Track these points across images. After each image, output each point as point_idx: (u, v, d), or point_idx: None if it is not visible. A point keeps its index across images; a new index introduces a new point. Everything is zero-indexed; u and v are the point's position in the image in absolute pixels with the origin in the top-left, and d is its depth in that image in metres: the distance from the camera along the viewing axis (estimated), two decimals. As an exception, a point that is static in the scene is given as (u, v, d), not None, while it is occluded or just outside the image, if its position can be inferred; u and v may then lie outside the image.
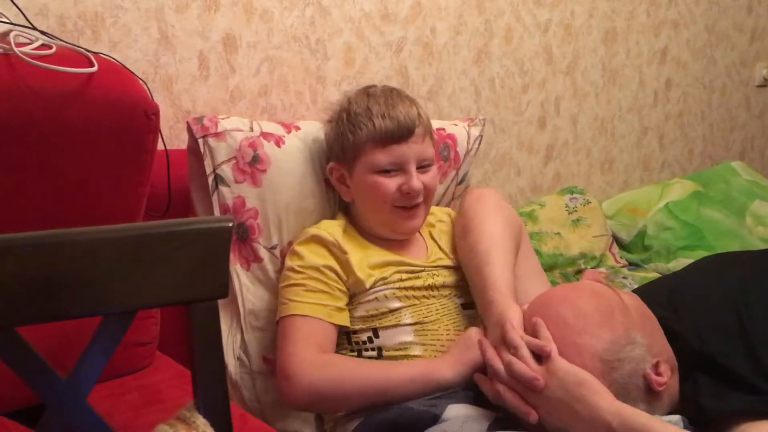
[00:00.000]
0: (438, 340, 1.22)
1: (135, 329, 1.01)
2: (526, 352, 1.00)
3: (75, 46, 1.03)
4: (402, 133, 1.24)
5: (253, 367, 1.31)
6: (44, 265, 0.66)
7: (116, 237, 0.70)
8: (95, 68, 0.98)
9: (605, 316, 1.02)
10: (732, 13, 2.59)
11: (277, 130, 1.36)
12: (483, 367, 1.07)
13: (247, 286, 1.32)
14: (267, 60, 1.54)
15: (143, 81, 1.06)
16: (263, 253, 1.32)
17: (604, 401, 0.93)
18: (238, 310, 1.31)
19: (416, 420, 1.04)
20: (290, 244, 1.32)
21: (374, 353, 1.22)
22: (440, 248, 1.34)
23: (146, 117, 1.01)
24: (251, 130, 1.33)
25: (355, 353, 1.23)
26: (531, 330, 1.03)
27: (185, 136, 1.32)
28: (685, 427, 0.98)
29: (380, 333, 1.22)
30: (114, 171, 1.03)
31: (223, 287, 0.75)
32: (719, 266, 1.26)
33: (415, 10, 1.77)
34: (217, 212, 1.29)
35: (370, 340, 1.22)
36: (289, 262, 1.25)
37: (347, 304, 1.24)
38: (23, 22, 1.04)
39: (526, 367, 0.98)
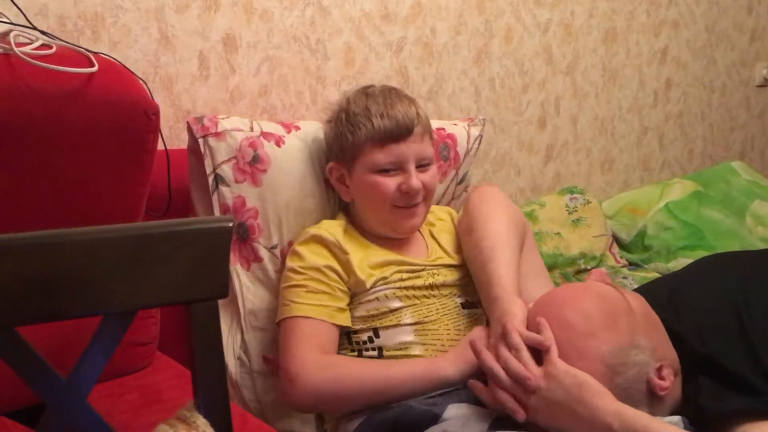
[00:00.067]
0: (438, 339, 1.22)
1: (135, 329, 1.01)
2: (526, 354, 0.99)
3: (75, 46, 1.03)
4: (401, 133, 1.24)
5: (254, 366, 1.31)
6: (44, 265, 0.66)
7: (116, 237, 0.70)
8: (95, 68, 0.98)
9: (610, 320, 1.02)
10: (732, 13, 2.59)
11: (277, 130, 1.36)
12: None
13: (247, 286, 1.32)
14: (267, 60, 1.54)
15: (143, 81, 1.06)
16: (263, 253, 1.32)
17: (605, 402, 0.93)
18: (238, 310, 1.31)
19: (417, 419, 1.04)
20: (290, 244, 1.32)
21: (375, 353, 1.22)
22: (440, 247, 1.34)
23: (146, 117, 1.01)
24: (251, 130, 1.33)
25: (356, 353, 1.23)
26: (534, 330, 1.03)
27: (185, 136, 1.32)
28: (685, 428, 0.98)
29: (381, 333, 1.22)
30: (114, 171, 1.03)
31: (224, 287, 0.75)
32: (719, 266, 1.26)
33: (415, 10, 1.77)
34: (217, 212, 1.29)
35: (370, 339, 1.22)
36: (290, 262, 1.25)
37: (348, 304, 1.24)
38: (23, 22, 1.04)
39: (521, 365, 0.98)
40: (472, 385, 1.05)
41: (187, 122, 1.29)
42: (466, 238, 1.29)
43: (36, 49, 0.97)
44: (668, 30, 2.41)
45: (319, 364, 1.14)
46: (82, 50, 1.02)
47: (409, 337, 1.22)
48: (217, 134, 1.28)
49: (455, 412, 1.04)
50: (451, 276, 1.29)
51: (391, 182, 1.25)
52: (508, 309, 1.07)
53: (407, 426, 1.05)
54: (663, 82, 2.44)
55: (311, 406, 1.19)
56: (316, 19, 1.60)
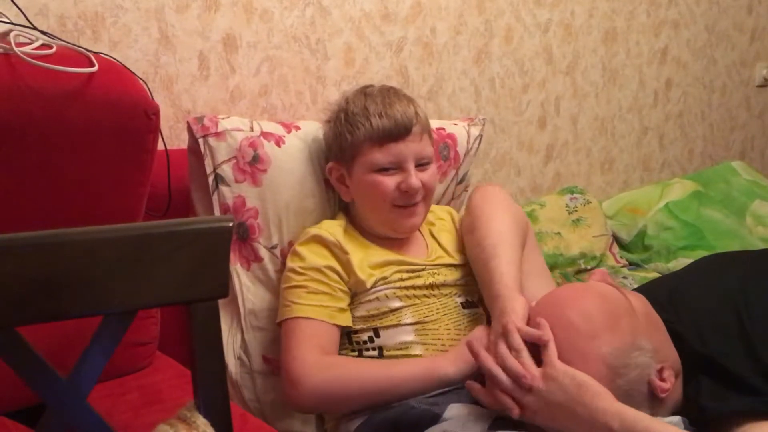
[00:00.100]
0: (439, 339, 1.22)
1: (135, 329, 1.01)
2: (526, 355, 0.99)
3: (75, 45, 1.03)
4: (399, 132, 1.24)
5: (254, 366, 1.31)
6: (44, 265, 0.66)
7: (116, 237, 0.70)
8: (95, 68, 0.97)
9: (613, 321, 1.01)
10: (732, 13, 2.59)
11: (278, 129, 1.36)
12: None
13: (247, 286, 1.32)
14: (267, 60, 1.54)
15: (143, 81, 1.06)
16: (263, 253, 1.32)
17: (605, 403, 0.93)
18: (238, 309, 1.31)
19: (417, 419, 1.05)
20: (291, 243, 1.32)
21: (375, 353, 1.22)
22: (441, 246, 1.34)
23: (146, 117, 1.01)
24: (251, 129, 1.33)
25: (356, 353, 1.23)
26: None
27: (185, 136, 1.32)
28: (685, 428, 0.98)
29: (381, 333, 1.22)
30: (114, 171, 1.03)
31: (224, 287, 0.75)
32: (719, 266, 1.26)
33: (415, 10, 1.77)
34: (217, 212, 1.29)
35: (370, 339, 1.22)
36: (291, 263, 1.25)
37: (348, 304, 1.24)
38: (23, 21, 1.04)
39: (518, 363, 0.98)
40: (470, 386, 1.05)
41: (187, 122, 1.29)
42: (468, 236, 1.29)
43: (36, 49, 0.96)
44: (668, 30, 2.41)
45: (320, 365, 1.14)
46: (83, 50, 1.02)
47: (410, 337, 1.22)
48: (217, 134, 1.28)
49: (455, 411, 1.04)
50: (451, 275, 1.29)
51: (390, 181, 1.25)
52: (510, 306, 1.07)
53: (408, 426, 1.05)
54: (663, 82, 2.44)
55: (313, 407, 1.19)
56: (316, 19, 1.60)
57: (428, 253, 1.33)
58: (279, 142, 1.34)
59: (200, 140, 1.27)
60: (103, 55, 1.05)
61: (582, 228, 1.98)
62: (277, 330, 1.26)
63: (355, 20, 1.66)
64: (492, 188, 1.35)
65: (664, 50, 2.41)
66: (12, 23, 1.00)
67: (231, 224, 0.75)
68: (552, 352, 0.98)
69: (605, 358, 0.98)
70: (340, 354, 1.22)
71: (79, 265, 0.67)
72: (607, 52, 2.24)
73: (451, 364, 1.13)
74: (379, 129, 1.24)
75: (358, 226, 1.33)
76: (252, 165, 1.30)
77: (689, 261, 1.62)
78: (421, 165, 1.27)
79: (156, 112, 1.02)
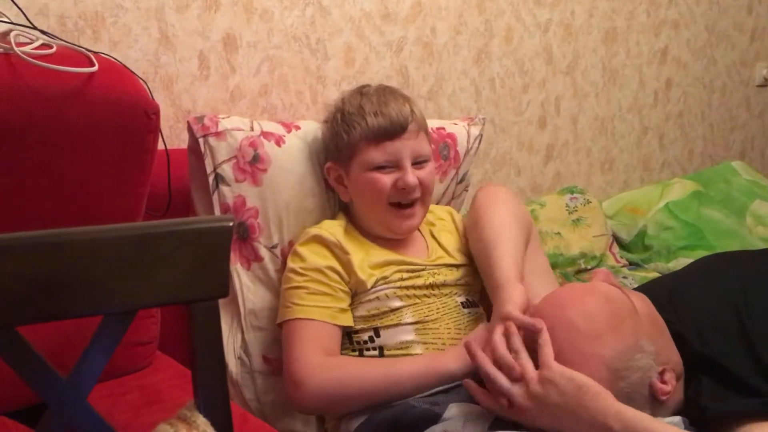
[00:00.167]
0: (439, 338, 1.22)
1: (135, 329, 1.01)
2: (524, 356, 0.99)
3: (75, 45, 1.03)
4: (395, 130, 1.24)
5: (254, 366, 1.31)
6: (44, 265, 0.66)
7: (116, 237, 0.70)
8: (95, 68, 0.97)
9: (615, 323, 1.01)
10: (732, 13, 2.59)
11: (278, 129, 1.36)
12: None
13: (247, 286, 1.31)
14: (267, 60, 1.54)
15: (143, 81, 1.06)
16: (264, 253, 1.32)
17: (605, 403, 0.92)
18: (238, 309, 1.31)
19: (418, 419, 1.05)
20: (291, 243, 1.32)
21: (375, 353, 1.22)
22: (441, 246, 1.34)
23: (146, 116, 1.01)
24: (251, 129, 1.33)
25: (357, 353, 1.23)
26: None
27: (185, 135, 1.32)
28: (686, 428, 0.98)
29: (381, 332, 1.22)
30: (114, 171, 1.02)
31: (224, 287, 0.75)
32: (719, 266, 1.26)
33: (415, 9, 1.77)
34: (217, 212, 1.29)
35: (371, 339, 1.22)
36: (291, 263, 1.25)
37: (349, 304, 1.24)
38: (23, 21, 1.04)
39: (508, 354, 0.98)
40: (467, 384, 1.05)
41: (188, 122, 1.29)
42: (471, 233, 1.30)
43: (36, 48, 0.96)
44: (668, 30, 2.41)
45: (322, 366, 1.14)
46: (83, 50, 1.01)
47: (410, 337, 1.22)
48: (217, 134, 1.28)
49: (456, 411, 1.04)
50: (451, 275, 1.29)
51: (387, 179, 1.25)
52: (507, 295, 1.08)
53: (408, 425, 1.05)
54: (663, 82, 2.44)
55: (317, 408, 1.20)
56: (316, 18, 1.60)
57: (428, 253, 1.33)
58: (279, 141, 1.34)
59: (200, 140, 1.27)
60: (103, 55, 1.05)
61: (582, 228, 1.98)
62: (278, 330, 1.26)
63: (355, 20, 1.66)
64: (496, 188, 1.35)
65: (664, 50, 2.41)
66: (12, 23, 1.00)
67: (231, 224, 0.75)
68: (548, 353, 0.97)
69: (607, 360, 0.98)
70: (341, 354, 1.22)
71: (79, 265, 0.67)
72: (607, 52, 2.24)
73: (454, 359, 1.14)
74: (374, 127, 1.24)
75: (357, 226, 1.33)
76: (252, 165, 1.30)
77: (689, 261, 1.62)
78: (419, 163, 1.27)
79: (156, 112, 1.02)
